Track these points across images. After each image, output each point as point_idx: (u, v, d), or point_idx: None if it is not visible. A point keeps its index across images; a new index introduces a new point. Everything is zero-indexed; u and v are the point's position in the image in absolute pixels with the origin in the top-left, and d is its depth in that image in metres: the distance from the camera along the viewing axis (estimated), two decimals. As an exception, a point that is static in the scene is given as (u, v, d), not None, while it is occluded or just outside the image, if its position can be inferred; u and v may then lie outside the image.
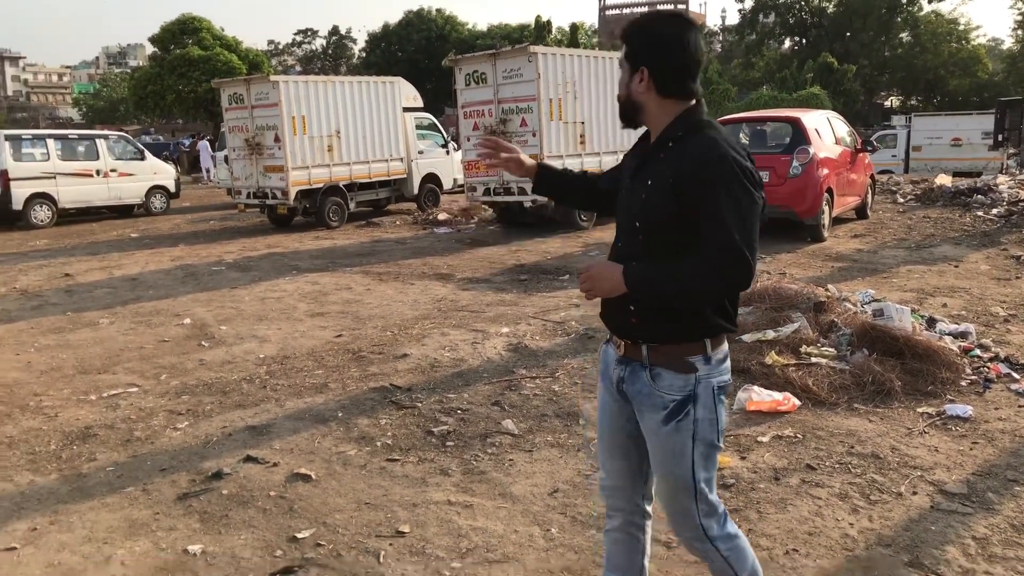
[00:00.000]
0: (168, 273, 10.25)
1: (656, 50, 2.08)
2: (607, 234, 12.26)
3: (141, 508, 3.61)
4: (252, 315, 7.54)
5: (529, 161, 2.51)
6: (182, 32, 37.48)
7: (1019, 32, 47.32)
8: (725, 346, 2.15)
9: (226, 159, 16.58)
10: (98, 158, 16.88)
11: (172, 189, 18.64)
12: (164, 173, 18.64)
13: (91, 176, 16.76)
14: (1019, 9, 46.67)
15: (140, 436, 4.49)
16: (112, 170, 17.10)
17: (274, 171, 14.07)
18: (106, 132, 19.60)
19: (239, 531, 3.36)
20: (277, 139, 13.86)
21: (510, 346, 5.98)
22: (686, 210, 1.97)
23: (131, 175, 17.55)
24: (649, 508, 2.35)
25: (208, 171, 28.01)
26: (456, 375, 5.36)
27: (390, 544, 3.21)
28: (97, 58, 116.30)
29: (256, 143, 14.12)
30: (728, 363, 2.15)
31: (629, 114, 2.16)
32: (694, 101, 2.11)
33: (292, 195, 13.96)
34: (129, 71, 61.88)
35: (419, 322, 6.93)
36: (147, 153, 18.61)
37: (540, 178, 2.51)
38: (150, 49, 41.61)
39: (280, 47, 70.33)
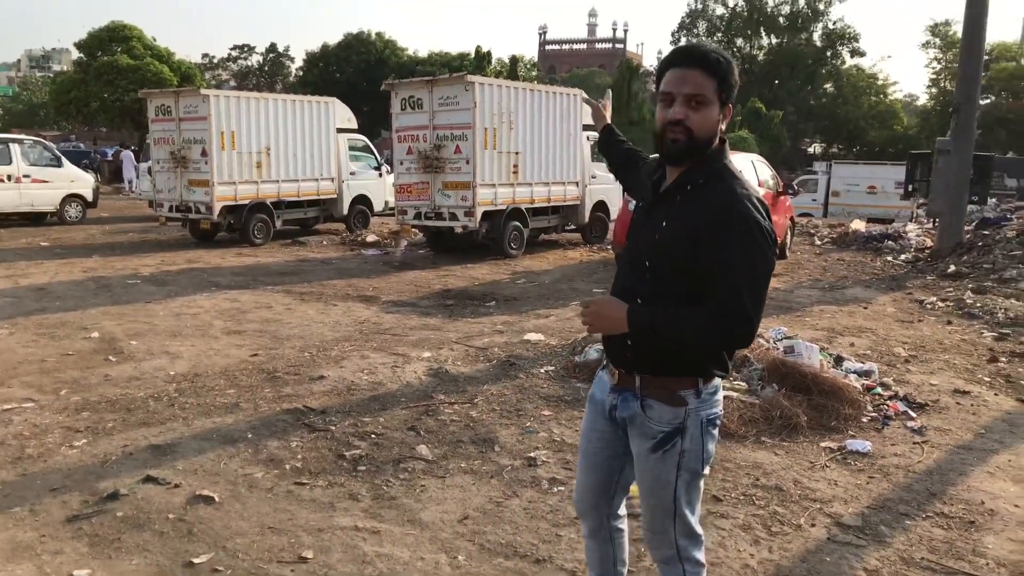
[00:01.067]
0: (79, 284, 9.84)
1: (734, 91, 2.03)
2: (536, 263, 12.39)
3: (27, 529, 3.42)
4: (165, 331, 7.30)
5: (606, 119, 2.83)
6: (111, 39, 36.46)
7: (933, 90, 50.16)
8: (718, 380, 2.17)
9: (149, 171, 16.11)
10: (10, 163, 16.15)
11: (89, 198, 17.94)
12: (82, 181, 17.97)
13: (2, 181, 16.01)
14: (933, 68, 49.54)
15: (32, 454, 4.26)
16: (25, 176, 16.38)
17: (199, 185, 13.76)
18: (20, 136, 18.81)
19: (131, 555, 3.22)
20: (204, 153, 13.58)
21: (431, 371, 5.94)
22: (699, 260, 1.97)
23: (45, 182, 16.82)
24: (618, 523, 2.45)
25: (131, 182, 27.14)
26: (373, 399, 5.28)
27: (291, 570, 3.12)
28: (19, 60, 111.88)
29: (182, 156, 13.80)
30: (720, 395, 2.18)
31: (697, 152, 2.02)
32: (721, 142, 2.09)
33: (217, 210, 13.66)
34: (52, 76, 59.70)
35: (339, 344, 6.82)
36: (64, 160, 17.90)
37: (604, 137, 2.80)
38: (76, 54, 40.24)
39: (215, 61, 69.03)
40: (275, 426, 4.72)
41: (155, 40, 38.04)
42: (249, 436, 4.54)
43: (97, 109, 35.83)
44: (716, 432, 2.18)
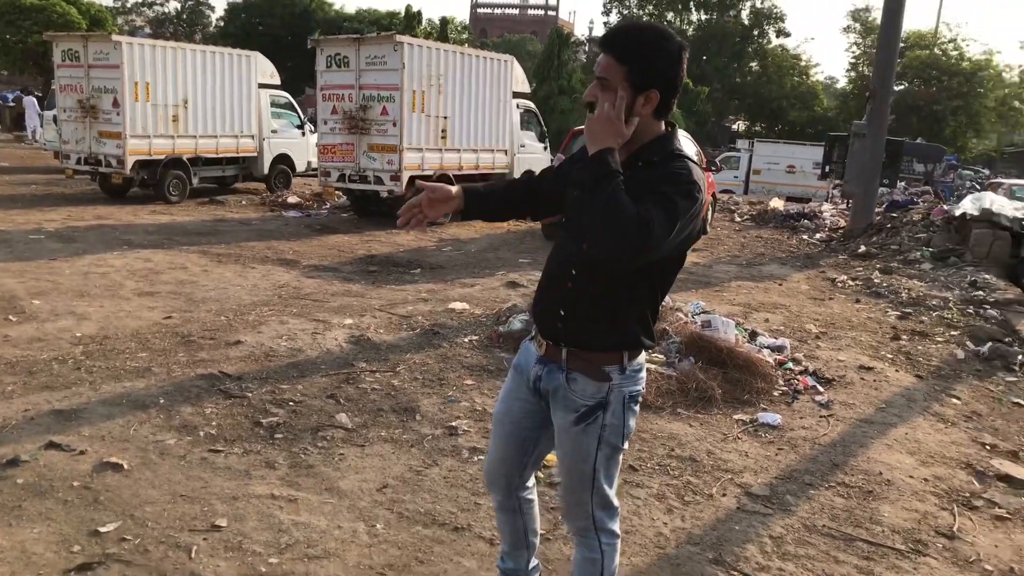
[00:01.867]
0: (-24, 238, 9.28)
1: (666, 71, 2.02)
2: (463, 230, 12.32)
3: (-84, 498, 3.23)
4: (71, 290, 6.96)
5: (453, 189, 2.27)
6: (14, -24, 34.06)
7: (852, 74, 51.80)
8: (642, 357, 2.21)
9: (55, 119, 15.22)
10: (-100, 104, 15.02)
11: (-11, 146, 16.89)
12: (-19, 128, 16.86)
13: None
14: (853, 53, 51.13)
15: (-77, 417, 4.02)
16: (-84, 119, 15.27)
17: (110, 137, 13.08)
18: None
19: (33, 524, 3.08)
20: (116, 103, 12.88)
21: (352, 338, 5.86)
22: None
23: (-61, 127, 15.74)
24: (526, 493, 2.47)
25: (34, 131, 25.55)
26: (292, 366, 5.18)
27: (204, 539, 3.05)
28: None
29: (91, 105, 13.06)
30: (643, 373, 2.22)
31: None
32: (670, 127, 2.11)
33: (129, 165, 13.03)
34: (-52, 11, 55.46)
35: (257, 308, 6.65)
36: (-39, 104, 16.77)
37: (467, 206, 2.30)
38: (-26, -10, 37.49)
39: (128, 6, 65.49)
40: (189, 392, 4.58)
41: (63, -21, 35.73)
42: (161, 402, 4.39)
43: (-2, 51, 33.54)
44: (637, 408, 2.23)
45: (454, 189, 2.28)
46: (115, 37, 13.37)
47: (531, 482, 2.49)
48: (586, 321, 2.13)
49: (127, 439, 3.90)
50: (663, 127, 2.10)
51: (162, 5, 64.56)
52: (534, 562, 2.63)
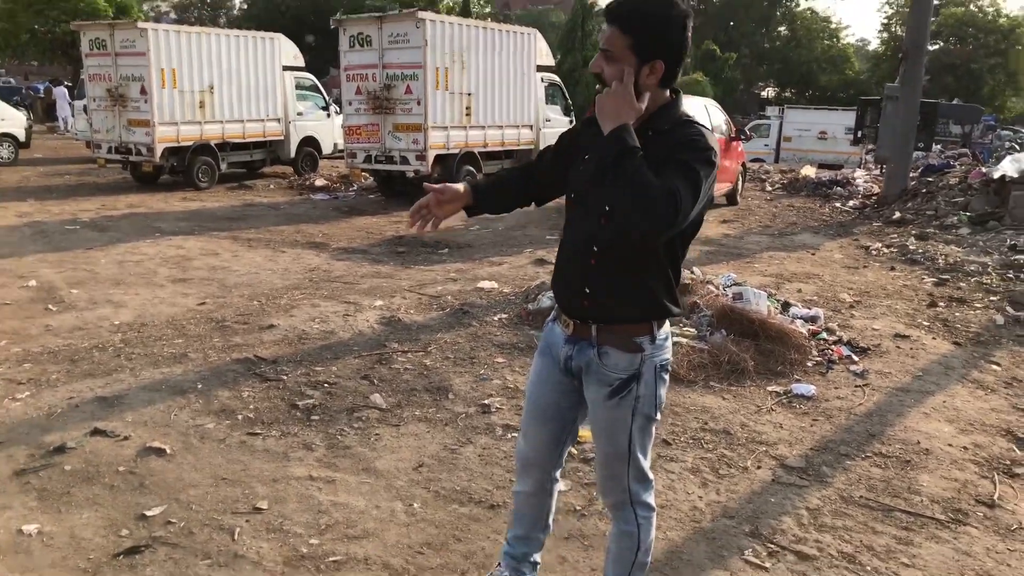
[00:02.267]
0: (13, 230, 9.47)
1: (671, 40, 2.01)
2: (488, 208, 12.28)
3: (-30, 485, 3.34)
4: (108, 279, 7.10)
5: (460, 187, 2.28)
6: (40, -34, 34.37)
7: (884, 35, 50.58)
8: (668, 325, 2.23)
9: (85, 109, 15.43)
10: (-64, 99, 15.32)
11: (21, 138, 17.17)
12: (13, 120, 17.15)
13: (-74, 119, 15.21)
14: (885, 13, 49.89)
15: (-28, 407, 4.15)
16: (-49, 114, 15.57)
17: (139, 125, 13.23)
18: (-54, 71, 17.78)
19: (81, 509, 3.17)
20: (144, 91, 13.02)
21: (383, 319, 5.91)
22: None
23: (-27, 121, 16.04)
24: (558, 475, 2.48)
25: (65, 121, 25.89)
26: (325, 348, 5.24)
27: (246, 521, 3.12)
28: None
29: (120, 94, 13.22)
30: (670, 341, 2.24)
31: None
32: (675, 93, 2.12)
33: (159, 152, 13.19)
34: (-23, 5, 56.25)
35: (288, 292, 6.72)
36: (-7, 97, 17.07)
37: (475, 202, 2.32)
38: (2, -17, 37.94)
39: (152, -9, 65.87)
40: (225, 376, 4.66)
41: (87, -32, 36.00)
42: (199, 387, 4.48)
43: (28, 42, 33.97)
44: (668, 378, 2.24)
45: (461, 187, 2.28)
46: (141, 24, 13.49)
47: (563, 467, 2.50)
48: (614, 296, 2.13)
49: (168, 424, 3.99)
50: (668, 95, 2.10)
51: (186, -10, 64.85)
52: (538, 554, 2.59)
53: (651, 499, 2.31)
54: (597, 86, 2.09)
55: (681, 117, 2.08)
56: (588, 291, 2.14)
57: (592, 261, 2.12)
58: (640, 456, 2.23)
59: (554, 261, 2.36)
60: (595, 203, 2.10)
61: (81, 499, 3.25)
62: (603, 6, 2.13)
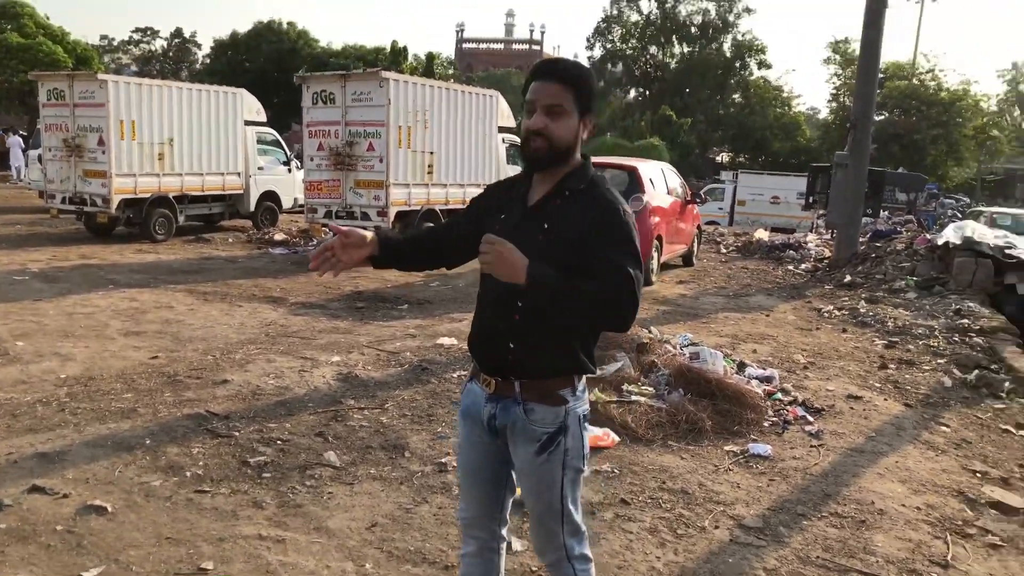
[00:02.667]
0: (-40, 279, 9.20)
1: (595, 102, 2.17)
2: (449, 265, 12.30)
3: None
4: (56, 331, 6.90)
5: (367, 235, 2.26)
6: (0, 16, 34.25)
7: (833, 104, 52.64)
8: (584, 377, 2.26)
9: (40, 159, 15.20)
10: None
11: (-26, 187, 16.82)
12: (-35, 168, 16.81)
13: None
14: (834, 84, 52.01)
15: (-97, 463, 3.95)
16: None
17: (96, 176, 13.06)
18: None
19: (15, 569, 3.02)
20: (101, 142, 12.90)
21: (340, 375, 5.82)
22: (586, 256, 2.05)
23: (-77, 168, 15.68)
24: (504, 532, 2.42)
25: (18, 170, 25.51)
26: (279, 404, 5.14)
27: (190, 584, 3.00)
28: None
29: (76, 144, 13.07)
30: (587, 393, 2.28)
31: (559, 159, 2.13)
32: (584, 157, 2.22)
33: (115, 203, 13.01)
34: (-67, 52, 55.57)
35: (244, 346, 6.61)
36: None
37: (382, 253, 2.29)
38: (-39, 31, 37.63)
39: (115, 44, 65.86)
40: (175, 432, 4.53)
41: (48, 18, 35.90)
42: (147, 442, 4.34)
43: (-17, 91, 33.60)
44: (588, 427, 2.26)
45: (368, 235, 2.26)
46: (101, 76, 13.42)
47: (507, 523, 2.44)
48: (539, 350, 2.14)
49: (112, 481, 3.85)
50: (579, 157, 2.21)
51: (148, 43, 65.03)
52: None
53: (587, 550, 2.30)
54: (532, 140, 2.12)
55: (593, 178, 2.18)
56: (512, 346, 2.15)
57: (516, 317, 2.13)
58: (573, 510, 2.23)
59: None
60: None
61: (15, 559, 3.10)
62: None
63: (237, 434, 4.52)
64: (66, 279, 9.58)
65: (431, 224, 2.28)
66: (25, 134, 27.46)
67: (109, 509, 3.53)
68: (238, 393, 5.30)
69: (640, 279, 2.04)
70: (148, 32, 64.62)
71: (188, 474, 3.97)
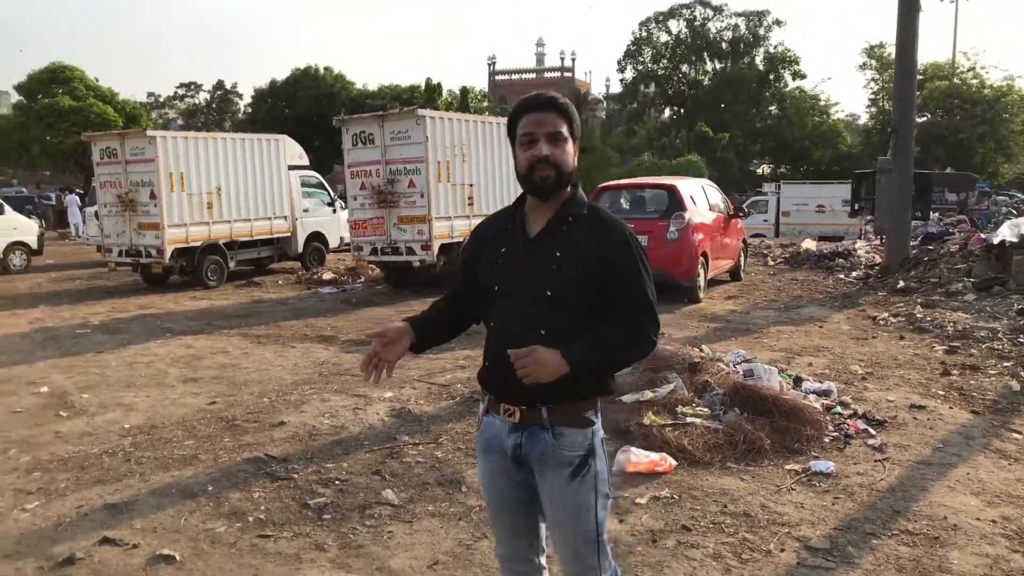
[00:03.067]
0: (25, 337, 9.54)
1: (579, 131, 2.24)
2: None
3: (-23, 602, 3.27)
4: (118, 382, 7.10)
5: (401, 326, 2.32)
6: (52, 81, 35.77)
7: (872, 109, 51.82)
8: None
9: (96, 215, 15.78)
10: (-50, 212, 15.71)
11: (34, 246, 17.50)
12: (25, 228, 17.53)
13: (-59, 232, 15.56)
14: (871, 89, 51.22)
15: (-19, 519, 4.09)
16: (-36, 225, 15.94)
17: (149, 228, 13.51)
18: (-40, 184, 18.29)
19: (90, 623, 3.09)
20: (153, 195, 13.36)
21: (393, 411, 5.87)
22: (604, 281, 2.12)
23: (-14, 230, 16.39)
24: (543, 560, 2.39)
25: (77, 227, 26.54)
26: (335, 443, 5.20)
27: (258, 629, 3.03)
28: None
29: (130, 199, 13.55)
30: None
31: (565, 185, 2.19)
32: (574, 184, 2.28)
33: (168, 253, 13.42)
34: (-8, 119, 58.28)
35: (298, 387, 6.71)
36: (6, 207, 17.50)
37: (418, 339, 2.33)
38: (15, 97, 39.43)
39: (161, 100, 68.26)
40: (236, 477, 4.61)
41: (98, 80, 37.45)
42: (210, 489, 4.42)
43: (39, 153, 35.07)
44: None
45: (402, 324, 2.31)
46: (150, 132, 13.94)
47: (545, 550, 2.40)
48: (566, 374, 2.10)
49: (178, 529, 3.93)
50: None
51: (192, 96, 67.20)
52: None
53: (617, 572, 2.29)
54: (539, 164, 2.15)
55: (589, 204, 2.25)
56: None
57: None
58: (605, 538, 2.22)
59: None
60: (531, 291, 2.15)
61: (90, 612, 3.17)
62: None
63: (296, 476, 4.58)
64: (126, 330, 9.87)
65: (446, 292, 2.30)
66: (82, 192, 28.56)
67: (177, 558, 3.60)
68: (295, 435, 5.38)
69: (655, 295, 2.17)
70: (192, 86, 66.85)
71: (251, 519, 4.03)
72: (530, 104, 2.21)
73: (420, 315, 2.42)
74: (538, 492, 2.23)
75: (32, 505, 4.26)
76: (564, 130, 2.16)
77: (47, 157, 35.71)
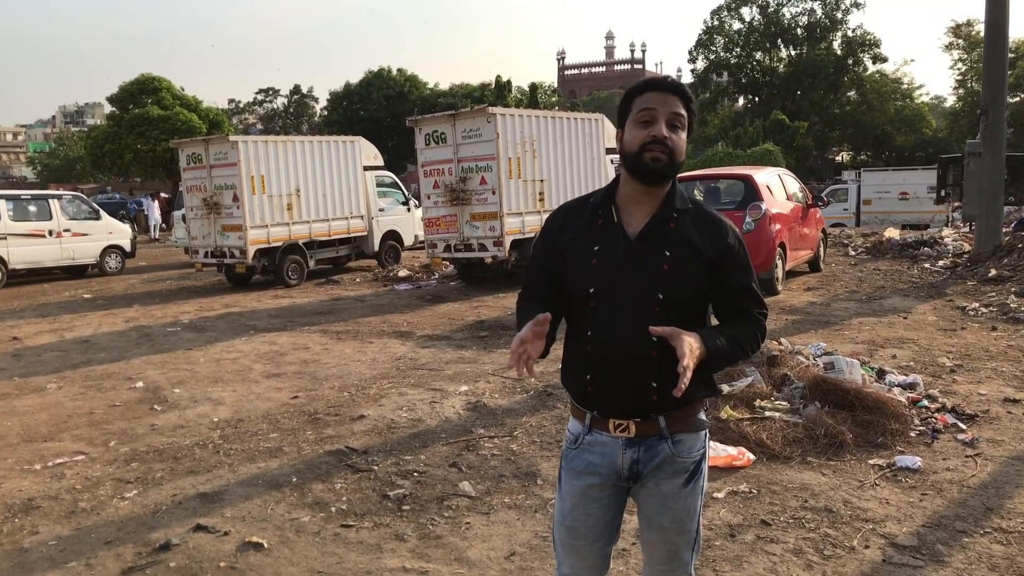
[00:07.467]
0: (121, 335, 10.06)
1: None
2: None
3: (84, 583, 3.48)
4: (207, 377, 7.42)
5: (547, 315, 2.00)
6: (141, 92, 37.53)
7: (960, 91, 49.46)
8: None
9: (183, 218, 16.49)
10: (51, 218, 16.66)
11: (127, 249, 18.41)
12: (119, 232, 18.44)
13: (43, 236, 16.52)
14: (959, 70, 48.90)
15: (85, 507, 4.35)
16: (65, 230, 16.89)
17: (232, 230, 14.04)
18: (59, 192, 19.41)
19: (186, 605, 3.26)
20: (236, 198, 13.86)
21: (469, 405, 5.96)
22: (717, 279, 2.04)
23: (85, 235, 17.32)
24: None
25: (154, 226, 28.17)
26: (413, 436, 5.31)
27: (343, 614, 3.13)
28: (53, 117, 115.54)
29: (214, 202, 14.10)
30: None
31: (673, 174, 2.04)
32: None
33: (251, 254, 13.91)
34: (86, 130, 61.50)
35: (377, 382, 6.87)
36: (102, 212, 18.43)
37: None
38: (108, 108, 41.47)
39: (241, 106, 70.65)
40: (319, 468, 4.77)
41: (183, 89, 39.10)
42: (294, 480, 4.59)
43: (131, 160, 36.85)
44: None
45: (546, 315, 1.99)
46: (232, 138, 14.46)
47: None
48: (671, 383, 1.96)
49: (265, 518, 4.09)
50: None
51: (271, 102, 69.28)
52: None
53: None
54: (654, 145, 1.98)
55: (690, 198, 2.11)
56: (656, 384, 1.99)
57: (653, 353, 1.97)
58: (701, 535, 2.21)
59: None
60: (639, 294, 2.00)
61: (186, 595, 3.34)
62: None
63: (376, 468, 4.71)
64: (212, 327, 10.29)
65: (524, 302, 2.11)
66: (168, 196, 30.08)
67: (265, 545, 3.75)
68: (374, 427, 5.52)
69: (759, 290, 2.14)
70: (270, 92, 68.97)
71: (333, 509, 4.16)
72: (655, 83, 2.05)
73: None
74: (622, 509, 2.16)
75: (131, 494, 4.50)
76: (684, 119, 2.02)
77: (138, 164, 37.46)
